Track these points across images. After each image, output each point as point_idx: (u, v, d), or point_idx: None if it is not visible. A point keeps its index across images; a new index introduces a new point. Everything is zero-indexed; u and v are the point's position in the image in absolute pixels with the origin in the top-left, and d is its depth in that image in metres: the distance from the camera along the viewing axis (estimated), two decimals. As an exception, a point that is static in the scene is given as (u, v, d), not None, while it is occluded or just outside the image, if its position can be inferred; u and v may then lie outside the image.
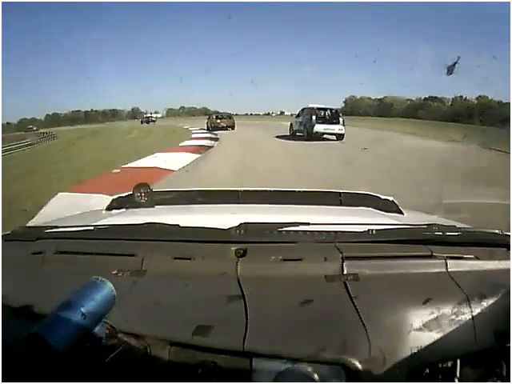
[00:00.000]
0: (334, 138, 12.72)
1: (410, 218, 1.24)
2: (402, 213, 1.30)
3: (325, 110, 13.66)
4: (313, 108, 13.54)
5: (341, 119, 13.05)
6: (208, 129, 18.35)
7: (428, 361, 0.63)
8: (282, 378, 0.57)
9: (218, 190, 1.67)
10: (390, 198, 1.40)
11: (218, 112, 19.59)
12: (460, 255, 0.80)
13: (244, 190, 1.50)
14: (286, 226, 0.89)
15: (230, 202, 1.41)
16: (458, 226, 0.97)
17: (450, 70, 2.70)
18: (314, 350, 0.60)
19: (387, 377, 0.58)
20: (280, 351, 0.60)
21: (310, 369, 0.58)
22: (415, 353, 0.61)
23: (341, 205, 1.39)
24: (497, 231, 0.90)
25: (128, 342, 0.62)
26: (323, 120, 12.98)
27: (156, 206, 1.34)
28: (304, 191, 1.51)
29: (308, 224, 0.89)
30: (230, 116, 18.75)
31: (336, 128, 12.75)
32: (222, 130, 17.46)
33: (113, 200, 1.46)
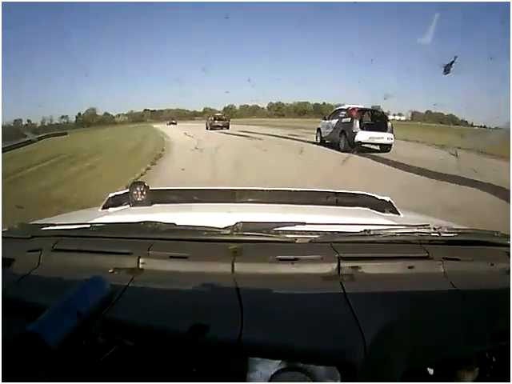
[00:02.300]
0: (378, 148, 9.71)
1: (407, 218, 1.25)
2: (398, 213, 1.30)
3: (368, 111, 10.39)
4: (353, 109, 10.10)
5: (389, 124, 9.86)
6: (207, 128, 20.27)
7: (425, 361, 0.63)
8: (278, 378, 0.57)
9: (215, 189, 1.67)
10: (387, 199, 1.40)
11: (216, 114, 23.09)
12: (456, 256, 0.80)
13: (241, 189, 1.50)
14: (282, 226, 0.89)
15: (226, 201, 1.41)
16: (454, 227, 0.97)
17: (447, 70, 2.70)
18: (309, 349, 0.60)
19: (383, 377, 0.58)
20: (276, 351, 0.60)
21: (305, 369, 0.58)
22: (412, 353, 0.61)
23: (337, 205, 1.40)
24: (494, 232, 0.91)
25: (124, 340, 0.62)
26: (368, 125, 9.74)
27: (152, 205, 1.34)
28: (301, 191, 1.52)
29: (304, 223, 0.89)
30: (225, 118, 21.81)
31: (385, 136, 9.60)
32: (219, 129, 19.27)
33: (109, 198, 1.46)
